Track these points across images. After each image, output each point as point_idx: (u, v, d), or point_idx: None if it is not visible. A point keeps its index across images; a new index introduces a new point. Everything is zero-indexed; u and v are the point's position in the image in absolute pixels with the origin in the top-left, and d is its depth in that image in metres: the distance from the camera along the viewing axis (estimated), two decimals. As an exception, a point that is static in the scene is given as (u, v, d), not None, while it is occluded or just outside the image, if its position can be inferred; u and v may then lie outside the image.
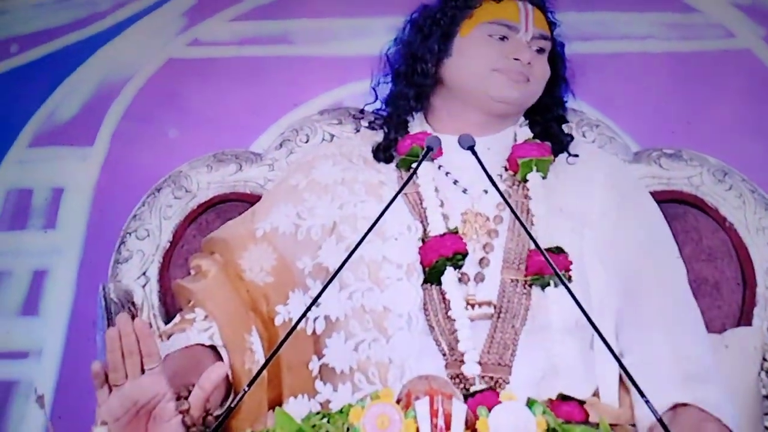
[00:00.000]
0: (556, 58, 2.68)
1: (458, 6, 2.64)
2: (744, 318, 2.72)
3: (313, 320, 2.49)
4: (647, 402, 2.06)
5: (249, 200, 2.80)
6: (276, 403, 2.45)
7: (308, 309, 2.24)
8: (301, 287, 2.51)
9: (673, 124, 3.46)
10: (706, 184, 2.79)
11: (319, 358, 2.47)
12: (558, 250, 2.48)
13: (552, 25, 2.67)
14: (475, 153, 2.34)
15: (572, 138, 2.70)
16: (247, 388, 2.16)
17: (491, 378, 2.41)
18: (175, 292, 2.63)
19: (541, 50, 2.62)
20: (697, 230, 2.72)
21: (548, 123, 2.68)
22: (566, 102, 2.72)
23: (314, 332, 2.49)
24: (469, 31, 2.63)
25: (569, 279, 2.46)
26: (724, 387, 2.46)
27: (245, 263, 2.54)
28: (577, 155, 2.67)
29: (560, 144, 2.67)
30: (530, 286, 2.48)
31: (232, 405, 2.11)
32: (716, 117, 3.49)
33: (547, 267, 2.41)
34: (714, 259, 2.73)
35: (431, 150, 2.41)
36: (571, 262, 2.48)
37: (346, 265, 2.42)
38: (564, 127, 2.71)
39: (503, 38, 2.61)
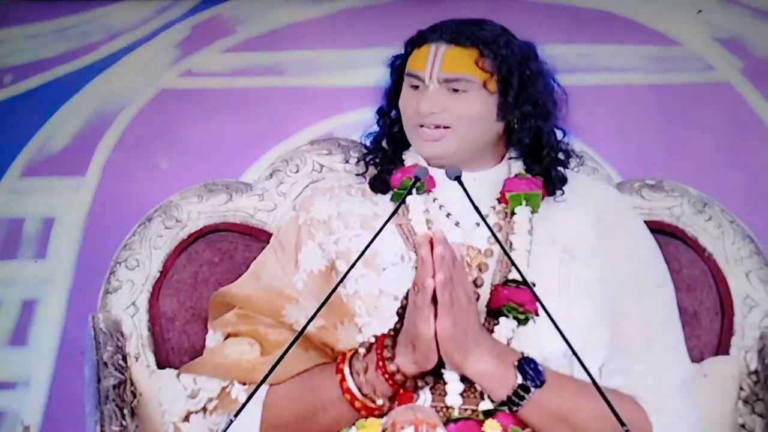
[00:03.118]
0: (512, 86, 2.52)
1: (405, 56, 2.58)
2: (722, 347, 2.72)
3: None
4: (627, 430, 2.09)
5: (239, 230, 2.81)
6: None
7: (311, 319, 2.27)
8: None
9: (654, 155, 3.49)
10: (687, 215, 2.79)
11: None
12: (521, 284, 2.43)
13: (500, 56, 2.51)
14: (461, 183, 2.34)
15: (564, 179, 2.60)
16: (233, 418, 2.18)
17: (473, 411, 2.41)
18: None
19: (456, 90, 2.50)
20: (677, 260, 2.72)
21: (541, 160, 2.58)
22: (550, 128, 2.58)
23: None
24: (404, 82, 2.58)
25: (527, 317, 2.43)
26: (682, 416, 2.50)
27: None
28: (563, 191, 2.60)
29: (552, 181, 2.58)
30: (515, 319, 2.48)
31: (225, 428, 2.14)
32: (696, 148, 3.52)
33: (506, 302, 2.42)
34: (693, 289, 2.73)
35: (418, 180, 2.41)
36: (533, 299, 2.41)
37: (346, 302, 2.46)
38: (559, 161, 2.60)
39: (416, 88, 2.54)
